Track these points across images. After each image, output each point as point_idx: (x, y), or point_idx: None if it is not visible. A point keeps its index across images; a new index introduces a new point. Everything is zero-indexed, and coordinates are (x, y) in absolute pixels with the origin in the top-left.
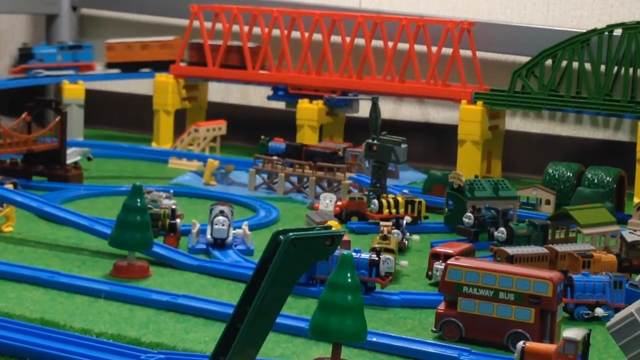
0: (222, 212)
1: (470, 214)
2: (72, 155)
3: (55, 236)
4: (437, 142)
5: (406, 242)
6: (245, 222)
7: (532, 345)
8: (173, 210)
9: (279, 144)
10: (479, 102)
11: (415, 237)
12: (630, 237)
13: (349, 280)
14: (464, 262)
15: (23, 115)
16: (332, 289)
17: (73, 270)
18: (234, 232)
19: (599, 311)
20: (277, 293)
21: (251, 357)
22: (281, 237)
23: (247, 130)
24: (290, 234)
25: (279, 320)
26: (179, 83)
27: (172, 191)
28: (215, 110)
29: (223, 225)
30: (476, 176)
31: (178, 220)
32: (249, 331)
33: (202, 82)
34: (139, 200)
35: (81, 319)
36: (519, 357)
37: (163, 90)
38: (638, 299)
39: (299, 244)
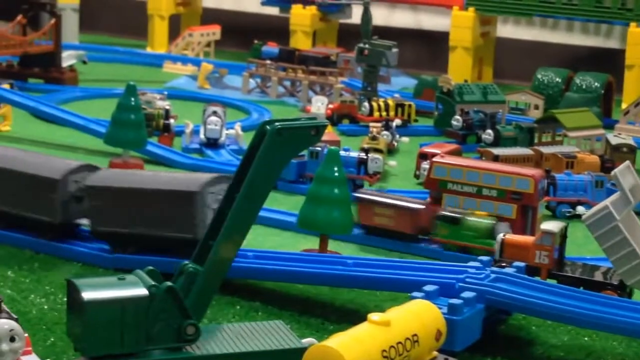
0: (215, 113)
1: (458, 117)
2: (68, 59)
3: (52, 136)
4: (429, 48)
5: (395, 143)
6: (238, 123)
7: (511, 237)
8: (167, 111)
9: (272, 48)
10: (471, 8)
11: (405, 139)
12: (614, 140)
13: (336, 174)
14: (449, 159)
15: (18, 18)
16: (320, 182)
17: None
18: (226, 132)
19: (580, 209)
20: (264, 180)
21: (238, 243)
22: (267, 126)
23: (241, 35)
24: (277, 123)
25: (269, 215)
26: None
27: (166, 93)
28: (210, 16)
29: (216, 125)
30: (465, 80)
31: (172, 121)
32: (236, 217)
33: None
34: (133, 99)
35: None
36: (498, 249)
37: None
38: None
39: (284, 133)
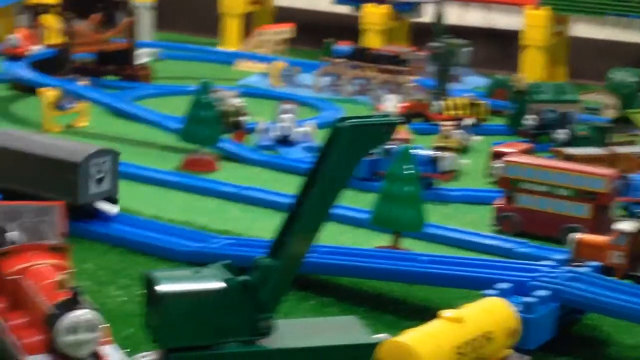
0: (287, 110)
1: (531, 116)
2: (142, 56)
3: (127, 131)
4: (502, 47)
5: (468, 142)
6: (311, 120)
7: (585, 237)
8: (240, 109)
9: (344, 47)
10: (544, 7)
11: (477, 137)
12: None
13: (408, 171)
14: (523, 158)
15: (95, 16)
16: (392, 180)
17: (146, 163)
18: (299, 129)
19: None
20: (338, 176)
21: (311, 238)
22: (341, 124)
23: (313, 33)
24: (350, 121)
25: (343, 212)
26: None
27: (239, 91)
28: (283, 14)
29: (289, 122)
30: (538, 80)
31: (245, 118)
32: (310, 213)
33: None
34: (207, 96)
35: (153, 206)
36: (573, 248)
37: None
38: None
39: (357, 131)
